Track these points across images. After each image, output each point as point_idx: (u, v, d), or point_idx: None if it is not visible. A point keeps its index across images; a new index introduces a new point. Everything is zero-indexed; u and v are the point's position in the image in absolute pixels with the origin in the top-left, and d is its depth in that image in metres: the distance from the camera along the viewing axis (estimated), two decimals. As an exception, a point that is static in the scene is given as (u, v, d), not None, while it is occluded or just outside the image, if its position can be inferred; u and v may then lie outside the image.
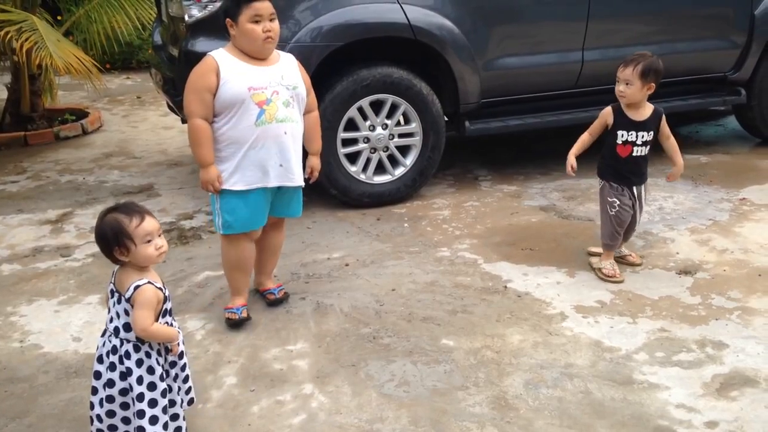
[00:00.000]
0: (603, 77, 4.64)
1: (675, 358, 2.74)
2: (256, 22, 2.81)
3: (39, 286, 3.47)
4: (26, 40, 5.02)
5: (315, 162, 3.17)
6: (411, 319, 3.06)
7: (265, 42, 2.84)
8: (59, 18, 6.95)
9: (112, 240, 2.07)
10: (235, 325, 3.03)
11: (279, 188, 2.99)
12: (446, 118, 4.47)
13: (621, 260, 3.50)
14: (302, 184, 3.05)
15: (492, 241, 3.81)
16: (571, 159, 3.40)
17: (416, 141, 4.32)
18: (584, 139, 3.42)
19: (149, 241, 2.10)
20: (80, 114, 6.50)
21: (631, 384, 2.59)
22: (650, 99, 3.32)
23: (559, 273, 3.44)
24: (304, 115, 3.04)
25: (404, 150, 4.35)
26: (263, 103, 2.83)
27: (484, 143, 5.44)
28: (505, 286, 3.32)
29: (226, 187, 2.89)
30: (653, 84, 3.23)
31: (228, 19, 2.86)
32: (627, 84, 3.21)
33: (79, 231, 4.11)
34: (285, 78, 2.91)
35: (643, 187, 3.40)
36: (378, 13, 4.06)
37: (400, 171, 4.34)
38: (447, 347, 2.84)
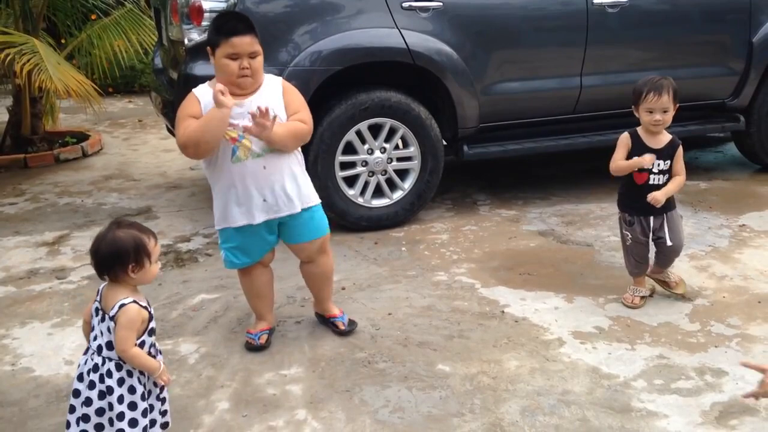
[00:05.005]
0: (601, 103, 4.66)
1: (674, 385, 2.70)
2: (233, 59, 2.67)
3: (33, 308, 3.44)
4: (27, 62, 5.05)
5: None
6: (407, 343, 3.03)
7: (240, 79, 2.71)
8: (63, 41, 7.00)
9: (132, 256, 2.07)
10: (252, 349, 3.00)
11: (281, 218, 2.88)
12: (445, 142, 4.47)
13: (665, 286, 3.37)
14: (296, 210, 2.86)
15: (490, 265, 3.79)
16: (634, 161, 3.14)
17: (414, 165, 4.32)
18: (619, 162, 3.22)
19: (157, 261, 2.14)
20: (81, 137, 6.51)
21: (629, 412, 2.55)
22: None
23: (557, 298, 3.41)
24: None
25: (402, 174, 4.34)
26: (235, 139, 2.73)
27: (483, 167, 5.43)
28: (503, 311, 3.29)
29: (220, 226, 2.90)
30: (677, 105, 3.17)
31: (209, 47, 2.75)
32: (665, 111, 3.10)
33: (76, 253, 4.09)
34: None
35: (665, 216, 3.20)
36: (377, 38, 4.08)
37: (398, 195, 4.33)
38: (443, 373, 2.81)
